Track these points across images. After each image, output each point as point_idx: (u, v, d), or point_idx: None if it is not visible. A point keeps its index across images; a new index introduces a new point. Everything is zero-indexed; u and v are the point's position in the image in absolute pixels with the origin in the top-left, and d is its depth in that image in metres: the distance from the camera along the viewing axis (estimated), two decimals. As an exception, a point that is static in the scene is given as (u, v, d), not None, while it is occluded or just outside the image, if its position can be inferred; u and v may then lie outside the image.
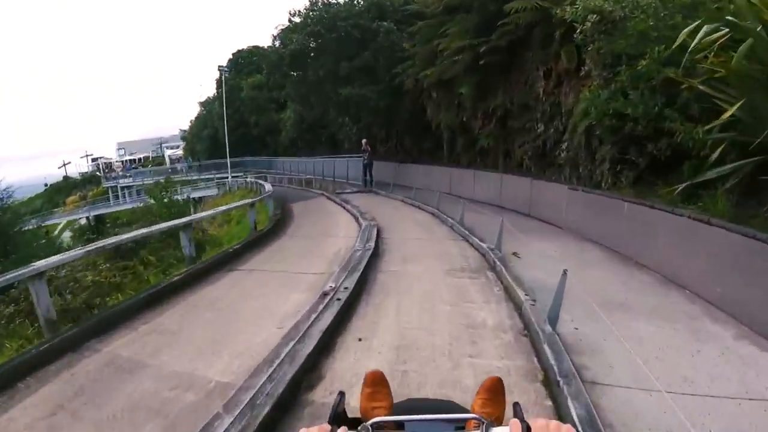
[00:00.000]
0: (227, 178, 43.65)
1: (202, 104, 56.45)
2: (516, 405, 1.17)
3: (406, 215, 13.95)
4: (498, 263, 7.47)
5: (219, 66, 43.93)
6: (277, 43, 22.31)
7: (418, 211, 14.41)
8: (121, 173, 61.32)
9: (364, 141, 20.68)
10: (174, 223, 9.62)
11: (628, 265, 7.52)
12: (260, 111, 43.26)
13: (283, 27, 21.16)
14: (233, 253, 9.76)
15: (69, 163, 78.30)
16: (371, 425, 1.03)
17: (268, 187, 17.88)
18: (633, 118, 7.67)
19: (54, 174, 77.73)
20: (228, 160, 43.96)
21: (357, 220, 12.65)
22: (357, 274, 6.96)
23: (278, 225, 13.46)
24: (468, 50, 13.86)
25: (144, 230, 9.37)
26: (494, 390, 1.52)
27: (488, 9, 13.19)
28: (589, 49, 9.05)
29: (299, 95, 21.92)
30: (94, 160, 79.03)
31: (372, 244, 9.15)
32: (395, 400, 1.58)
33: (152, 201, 19.88)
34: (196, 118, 58.81)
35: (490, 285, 6.92)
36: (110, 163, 76.35)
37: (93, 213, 47.84)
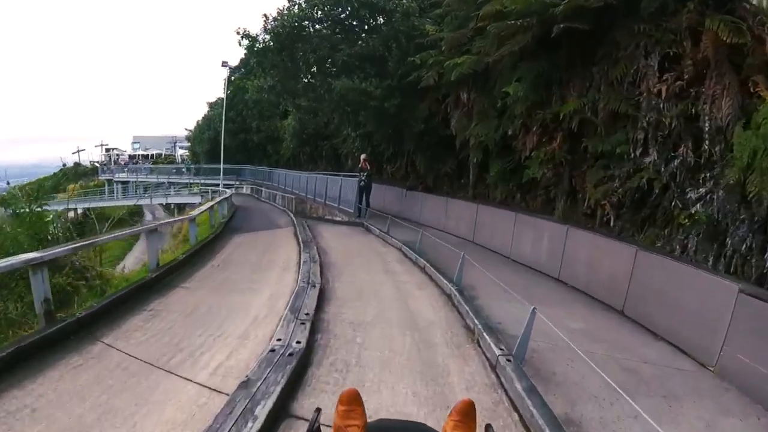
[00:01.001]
0: (218, 185, 39.39)
1: (211, 105, 52.98)
2: (488, 427, 1.35)
3: (400, 300, 6.96)
4: None
5: (223, 62, 39.67)
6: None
7: (425, 282, 7.93)
8: (116, 167, 58.36)
9: (362, 157, 15.40)
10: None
11: None
12: (263, 116, 38.86)
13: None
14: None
15: (83, 150, 77.30)
16: None
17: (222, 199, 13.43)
18: None
19: (72, 159, 76.44)
20: (221, 166, 39.74)
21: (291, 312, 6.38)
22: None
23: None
24: (533, 22, 8.49)
25: None
26: (466, 413, 1.58)
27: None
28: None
29: (287, 90, 16.68)
30: (107, 150, 77.95)
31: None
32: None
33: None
34: (203, 118, 55.54)
35: None
36: (117, 155, 75.14)
37: (80, 205, 45.06)
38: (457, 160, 13.92)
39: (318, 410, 1.49)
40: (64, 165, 74.16)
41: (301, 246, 9.33)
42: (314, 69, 14.91)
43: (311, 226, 13.66)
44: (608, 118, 8.69)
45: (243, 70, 44.62)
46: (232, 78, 42.18)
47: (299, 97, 16.87)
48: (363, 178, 15.15)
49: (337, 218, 17.22)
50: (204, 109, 51.55)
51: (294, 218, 14.97)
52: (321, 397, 3.79)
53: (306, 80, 15.99)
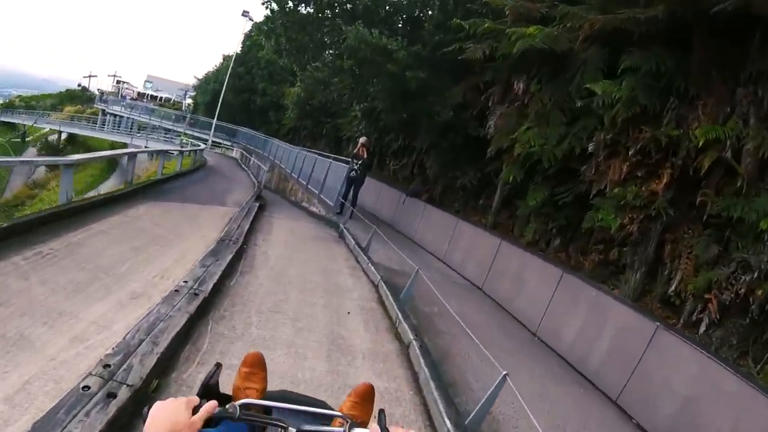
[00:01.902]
0: (207, 140, 35.84)
1: (226, 57, 49.52)
2: (381, 412, 1.19)
3: None
4: None
5: (244, 11, 35.97)
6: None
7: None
8: (112, 99, 55.07)
9: (361, 140, 11.79)
10: None
11: None
12: (273, 79, 35.36)
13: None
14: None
15: (95, 76, 76.08)
16: (239, 405, 1.02)
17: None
18: None
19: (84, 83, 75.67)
20: (214, 121, 36.27)
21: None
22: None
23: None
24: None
25: None
26: (364, 396, 1.56)
27: None
28: None
29: (286, 28, 12.71)
30: (118, 81, 76.27)
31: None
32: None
33: None
34: (214, 69, 52.16)
35: None
36: (126, 88, 72.35)
37: (63, 129, 43.31)
38: (481, 173, 10.33)
39: (218, 365, 1.32)
40: (79, 86, 72.15)
41: (212, 249, 5.63)
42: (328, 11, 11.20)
43: (271, 214, 10.06)
44: (757, 168, 5.28)
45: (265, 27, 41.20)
46: (252, 33, 38.68)
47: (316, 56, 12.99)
48: (356, 167, 11.56)
49: (313, 208, 13.64)
50: (219, 61, 48.16)
51: (254, 199, 11.28)
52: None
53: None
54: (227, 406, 1.02)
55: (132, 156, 9.70)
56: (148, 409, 1.07)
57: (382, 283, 6.13)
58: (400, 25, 10.37)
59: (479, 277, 8.48)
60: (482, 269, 8.46)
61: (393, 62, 9.35)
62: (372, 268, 6.91)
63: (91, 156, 8.46)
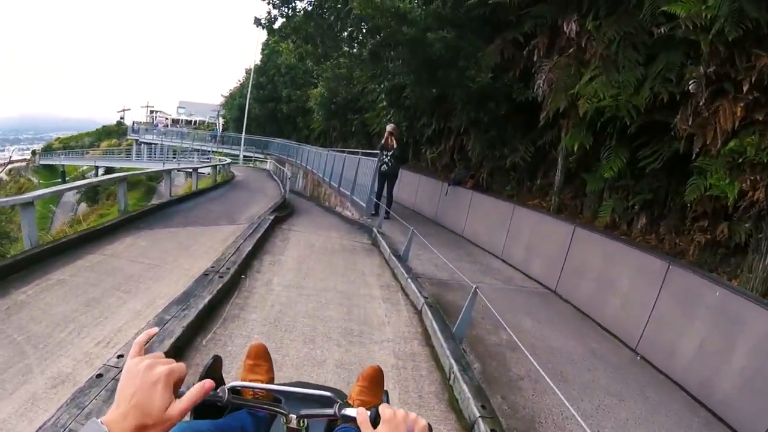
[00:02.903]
0: (239, 155, 35.37)
1: (248, 71, 49.26)
2: (385, 393, 1.28)
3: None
4: None
5: (256, 18, 34.94)
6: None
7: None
8: (144, 128, 56.17)
9: (388, 128, 10.29)
10: None
11: None
12: (295, 84, 34.35)
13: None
14: None
15: (129, 110, 79.23)
16: (229, 388, 0.99)
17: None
18: None
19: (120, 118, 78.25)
20: (243, 136, 35.74)
21: None
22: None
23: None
24: None
25: None
26: (372, 379, 1.50)
27: None
28: None
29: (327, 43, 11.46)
30: (151, 112, 78.35)
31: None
32: None
33: None
34: (237, 84, 52.30)
35: None
36: (158, 117, 75.08)
37: (99, 164, 44.07)
38: (534, 147, 8.53)
39: (215, 357, 1.23)
40: (121, 119, 73.38)
41: (185, 290, 4.17)
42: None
43: (290, 226, 8.66)
44: None
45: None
46: (270, 41, 37.76)
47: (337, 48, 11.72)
48: (386, 160, 10.02)
49: (347, 212, 12.20)
50: (243, 75, 48.06)
51: (271, 211, 9.90)
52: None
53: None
54: (218, 389, 0.96)
55: (122, 180, 8.51)
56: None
57: (427, 309, 4.52)
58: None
59: (550, 276, 6.74)
60: (553, 266, 6.71)
61: (409, 24, 7.68)
62: (412, 285, 5.32)
63: (54, 189, 7.30)
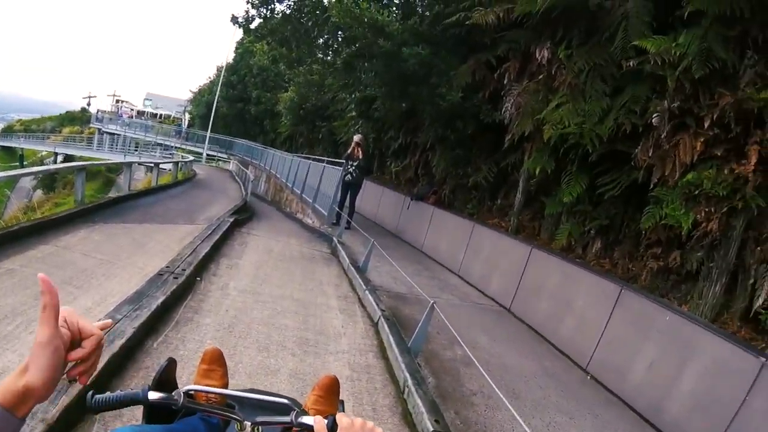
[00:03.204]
0: (202, 154, 34.60)
1: (220, 68, 48.43)
2: (341, 403, 1.27)
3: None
4: None
5: (233, 16, 34.51)
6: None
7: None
8: (107, 118, 54.21)
9: (355, 139, 10.28)
10: None
11: None
12: (266, 86, 33.99)
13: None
14: None
15: (95, 97, 76.30)
16: (184, 392, 1.00)
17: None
18: None
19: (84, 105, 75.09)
20: (208, 134, 35.01)
21: None
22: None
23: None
24: None
25: None
26: (328, 389, 1.50)
27: None
28: None
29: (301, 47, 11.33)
30: (117, 101, 76.01)
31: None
32: None
33: None
34: (207, 81, 51.05)
35: None
36: (125, 108, 72.75)
37: (59, 150, 42.20)
38: (497, 167, 8.67)
39: (170, 360, 1.21)
40: (87, 106, 70.13)
41: (138, 289, 3.96)
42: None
43: (250, 230, 8.44)
44: None
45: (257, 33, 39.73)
46: (244, 41, 37.26)
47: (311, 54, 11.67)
48: (351, 170, 9.99)
49: (307, 220, 12.06)
50: (213, 72, 47.07)
51: (230, 213, 9.67)
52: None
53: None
54: (173, 392, 0.97)
55: (81, 169, 8.13)
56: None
57: (384, 322, 4.47)
58: None
59: (506, 294, 6.82)
60: (509, 285, 6.80)
61: (386, 38, 7.71)
62: (370, 297, 5.25)
63: (11, 174, 6.93)
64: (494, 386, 2.95)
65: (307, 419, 0.97)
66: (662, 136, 5.13)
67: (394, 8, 8.67)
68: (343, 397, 2.58)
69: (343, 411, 1.01)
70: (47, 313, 0.67)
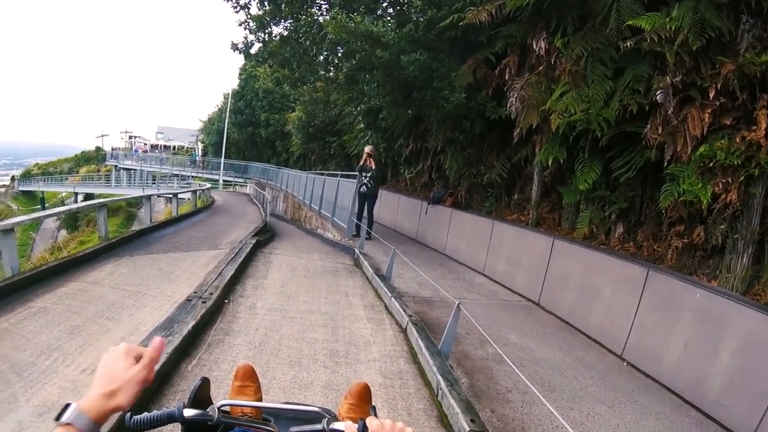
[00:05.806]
0: (218, 180, 35.13)
1: (226, 96, 49.23)
2: (372, 408, 1.26)
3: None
4: None
5: (233, 43, 35.17)
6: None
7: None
8: (123, 154, 55.58)
9: (366, 150, 10.33)
10: None
11: None
12: (273, 108, 34.48)
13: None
14: None
15: (107, 135, 78.79)
16: (218, 407, 1.03)
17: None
18: None
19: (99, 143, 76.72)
20: (222, 160, 35.55)
21: None
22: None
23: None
24: None
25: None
26: (360, 396, 1.53)
27: None
28: None
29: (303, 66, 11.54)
30: (130, 137, 77.64)
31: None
32: None
33: None
34: (216, 109, 51.88)
35: None
36: (137, 143, 74.19)
37: (78, 190, 43.05)
38: (510, 163, 8.67)
39: (204, 379, 1.21)
40: (100, 146, 72.48)
41: (169, 317, 4.10)
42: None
43: (272, 250, 8.59)
44: None
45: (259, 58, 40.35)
46: (246, 66, 37.87)
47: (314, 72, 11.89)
48: (366, 181, 10.08)
49: (328, 234, 12.14)
50: (221, 100, 47.84)
51: (252, 235, 9.85)
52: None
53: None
54: (207, 408, 1.01)
55: (102, 206, 8.41)
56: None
57: (412, 327, 4.52)
58: (384, 4, 8.90)
59: (533, 289, 6.80)
60: (535, 279, 6.78)
61: (384, 48, 7.82)
62: (396, 304, 5.31)
63: (34, 216, 7.20)
64: (528, 381, 2.98)
65: (338, 425, 1.00)
66: (669, 112, 5.10)
67: (388, 18, 8.77)
68: (377, 403, 2.64)
69: (376, 416, 0.97)
70: (149, 363, 0.88)
